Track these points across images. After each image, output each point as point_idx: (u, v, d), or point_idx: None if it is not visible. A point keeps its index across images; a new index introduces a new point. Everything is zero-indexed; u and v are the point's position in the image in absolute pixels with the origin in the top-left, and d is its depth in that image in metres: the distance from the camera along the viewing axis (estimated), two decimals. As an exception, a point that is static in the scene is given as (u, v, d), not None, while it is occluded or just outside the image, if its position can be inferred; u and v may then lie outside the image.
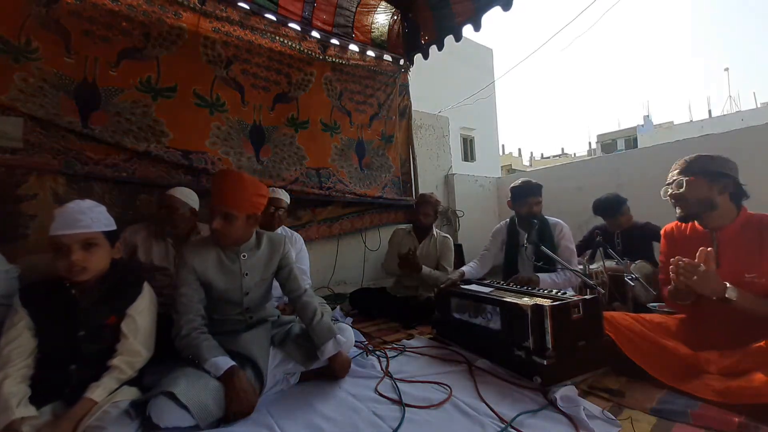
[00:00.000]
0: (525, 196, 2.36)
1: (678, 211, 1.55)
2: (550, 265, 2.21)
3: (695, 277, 1.33)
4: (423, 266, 2.58)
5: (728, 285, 1.32)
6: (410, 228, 2.93)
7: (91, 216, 1.22)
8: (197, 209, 2.16)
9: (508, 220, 2.57)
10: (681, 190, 1.51)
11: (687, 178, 1.50)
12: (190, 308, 1.42)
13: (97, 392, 1.16)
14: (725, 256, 1.46)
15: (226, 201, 1.42)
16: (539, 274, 2.19)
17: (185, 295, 1.43)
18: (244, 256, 1.55)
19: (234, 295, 1.54)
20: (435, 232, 2.86)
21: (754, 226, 1.43)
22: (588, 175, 4.33)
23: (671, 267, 1.42)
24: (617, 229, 2.84)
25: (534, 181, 2.41)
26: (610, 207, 2.81)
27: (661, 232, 1.75)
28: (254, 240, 1.59)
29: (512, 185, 2.45)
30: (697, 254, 1.38)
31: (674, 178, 1.55)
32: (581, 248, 2.88)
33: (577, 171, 4.57)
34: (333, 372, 1.54)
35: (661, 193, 1.59)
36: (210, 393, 1.24)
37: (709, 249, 1.37)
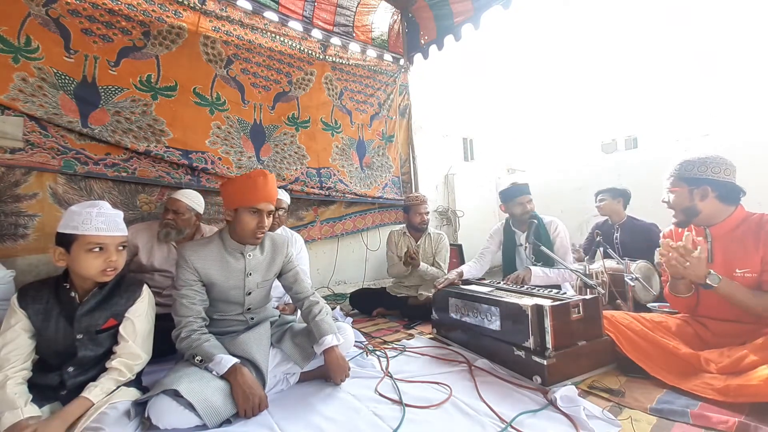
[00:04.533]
0: (515, 196, 2.42)
1: (672, 219, 1.60)
2: (547, 264, 2.24)
3: (688, 263, 1.37)
4: (421, 262, 2.62)
5: (711, 271, 1.36)
6: (404, 229, 2.93)
7: (121, 219, 1.28)
8: (201, 212, 2.16)
9: (503, 221, 2.62)
10: (669, 200, 1.57)
11: (672, 188, 1.54)
12: (191, 310, 1.41)
13: (93, 392, 1.16)
14: (717, 252, 1.48)
15: (273, 197, 1.52)
16: (531, 267, 2.22)
17: (186, 297, 1.42)
18: (249, 256, 1.55)
19: (236, 295, 1.53)
20: (429, 230, 2.87)
21: (751, 224, 1.44)
22: (588, 176, 4.33)
23: (662, 249, 1.45)
24: (617, 221, 2.91)
25: (520, 181, 2.48)
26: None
27: (661, 236, 1.77)
28: None
29: (500, 190, 2.53)
30: (686, 239, 1.40)
31: (665, 186, 1.59)
32: (588, 248, 2.90)
33: (577, 171, 4.57)
34: (329, 373, 1.49)
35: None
36: (215, 391, 1.23)
37: (699, 238, 1.40)
